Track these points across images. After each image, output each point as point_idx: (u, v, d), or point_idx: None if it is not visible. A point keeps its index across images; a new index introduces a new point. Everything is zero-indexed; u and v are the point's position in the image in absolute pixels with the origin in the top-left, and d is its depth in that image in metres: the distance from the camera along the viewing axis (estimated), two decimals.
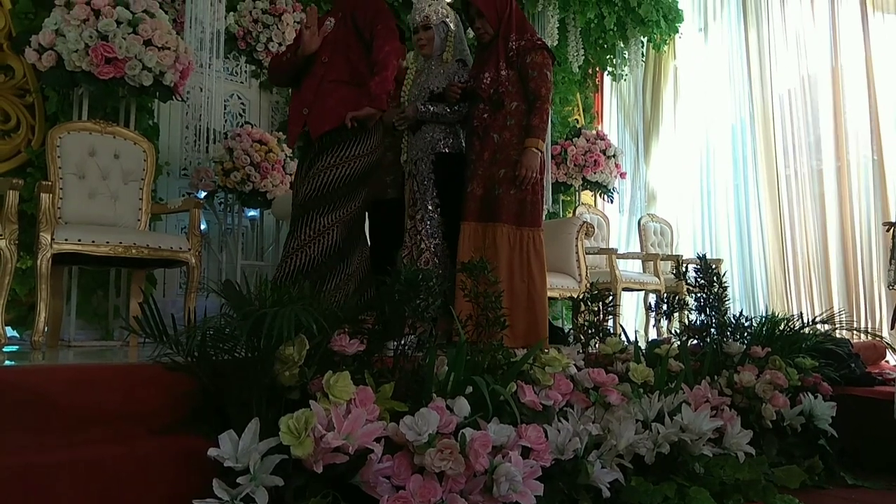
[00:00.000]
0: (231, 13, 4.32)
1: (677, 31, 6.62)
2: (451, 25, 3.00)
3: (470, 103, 2.92)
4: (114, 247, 2.74)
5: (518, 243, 2.81)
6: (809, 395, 2.49)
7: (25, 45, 3.33)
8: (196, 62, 3.63)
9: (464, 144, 3.01)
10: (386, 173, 3.14)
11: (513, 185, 2.79)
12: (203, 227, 3.10)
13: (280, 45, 4.41)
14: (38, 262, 2.63)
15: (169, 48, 3.29)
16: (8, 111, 3.56)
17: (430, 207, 2.88)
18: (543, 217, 3.02)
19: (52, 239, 2.65)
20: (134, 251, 2.77)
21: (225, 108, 4.51)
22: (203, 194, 3.97)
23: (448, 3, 3.11)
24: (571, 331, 2.39)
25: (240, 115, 4.60)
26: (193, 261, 2.93)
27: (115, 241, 2.75)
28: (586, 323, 2.34)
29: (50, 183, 2.80)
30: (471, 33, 3.17)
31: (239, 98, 4.62)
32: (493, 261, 2.63)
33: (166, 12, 3.51)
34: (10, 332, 3.17)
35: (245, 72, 4.63)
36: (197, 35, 3.75)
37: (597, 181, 5.73)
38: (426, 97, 2.93)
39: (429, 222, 2.87)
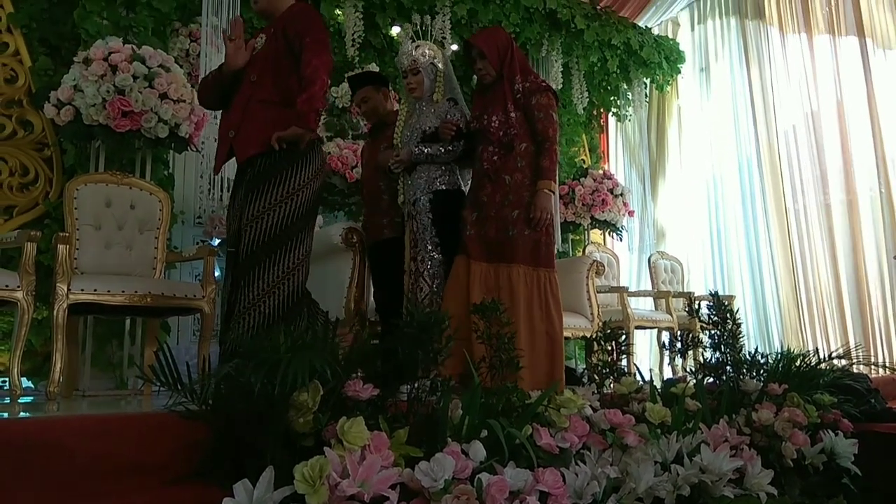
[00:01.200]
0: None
1: (679, 72, 6.73)
2: (440, 65, 2.98)
3: (475, 144, 2.91)
4: (129, 296, 2.76)
5: (536, 284, 2.79)
6: (830, 432, 2.45)
7: (45, 100, 3.44)
8: (210, 113, 3.72)
9: (460, 181, 2.99)
10: (383, 215, 3.14)
11: (527, 227, 2.78)
12: (217, 274, 3.12)
13: None
14: (55, 312, 2.66)
15: (184, 101, 3.38)
16: (27, 165, 3.64)
17: (429, 248, 2.85)
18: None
19: (69, 289, 2.69)
20: (149, 300, 2.79)
21: None
22: (217, 241, 4.01)
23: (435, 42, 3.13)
24: (585, 371, 2.38)
25: None
26: (207, 308, 2.95)
27: (131, 289, 2.78)
28: (600, 363, 2.33)
29: (67, 234, 2.85)
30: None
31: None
32: (507, 302, 2.60)
33: (181, 66, 3.62)
34: (25, 382, 3.18)
35: None
36: None
37: (605, 220, 5.76)
38: (419, 138, 2.92)
39: (429, 262, 2.84)
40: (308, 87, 2.32)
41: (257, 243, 2.28)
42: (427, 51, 2.97)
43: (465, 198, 2.94)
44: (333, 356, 1.61)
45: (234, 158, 2.48)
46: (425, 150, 2.88)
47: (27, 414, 2.11)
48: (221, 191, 4.23)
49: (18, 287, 2.59)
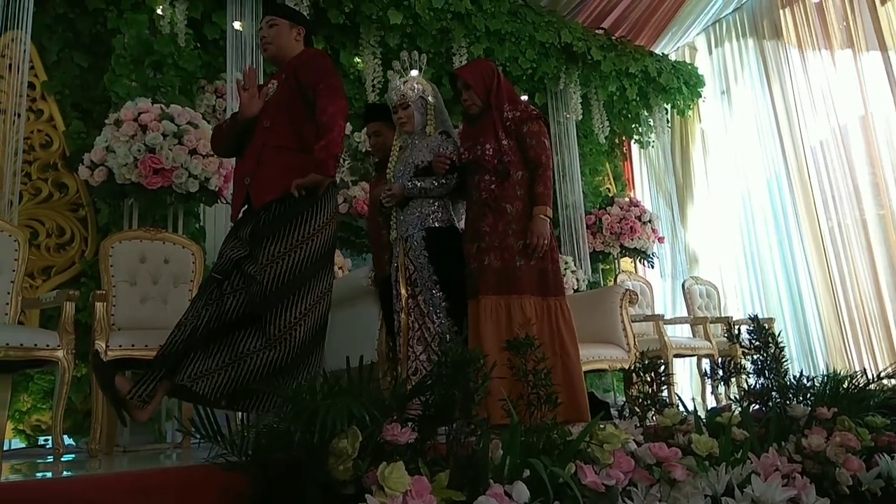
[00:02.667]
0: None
1: (700, 96, 6.72)
2: (430, 99, 2.97)
3: (468, 174, 2.88)
4: None
5: (546, 315, 2.73)
6: (885, 455, 2.35)
7: (78, 162, 3.55)
8: None
9: (453, 217, 2.95)
10: (385, 251, 3.12)
11: (532, 257, 2.75)
12: None
13: None
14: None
15: (213, 155, 3.46)
16: (63, 225, 3.75)
17: (432, 289, 2.79)
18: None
19: (107, 346, 2.73)
20: None
21: None
22: None
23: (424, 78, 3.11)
24: (626, 404, 2.32)
25: None
26: None
27: None
28: (641, 394, 2.28)
29: (104, 292, 2.90)
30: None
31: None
32: (522, 332, 2.61)
33: (208, 122, 3.71)
34: (67, 440, 3.22)
35: None
36: None
37: (635, 247, 5.71)
38: (411, 172, 2.88)
39: (431, 303, 2.78)
40: (326, 133, 2.32)
41: (273, 287, 2.26)
42: (416, 85, 2.96)
43: (459, 234, 2.90)
44: (370, 400, 1.60)
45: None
46: (418, 185, 2.84)
47: (70, 473, 2.12)
48: None
49: (59, 346, 2.64)
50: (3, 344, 2.49)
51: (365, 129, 3.61)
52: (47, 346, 2.61)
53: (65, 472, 2.14)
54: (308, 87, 2.43)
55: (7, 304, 2.94)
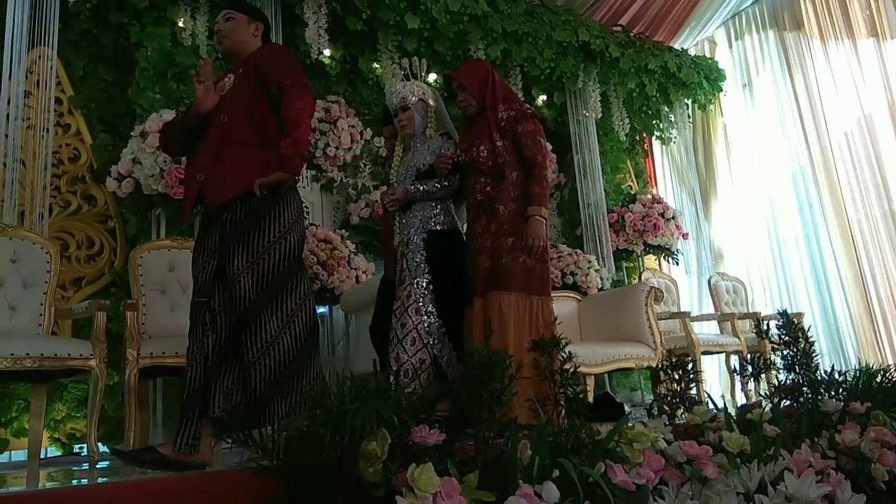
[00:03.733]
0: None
1: (721, 90, 6.65)
2: (430, 101, 2.96)
3: (465, 176, 2.85)
4: None
5: (528, 312, 2.67)
6: None
7: (106, 175, 3.62)
8: None
9: (456, 220, 2.92)
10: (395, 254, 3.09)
11: (521, 253, 2.70)
12: None
13: (337, 148, 4.63)
14: (126, 377, 2.74)
15: None
16: (92, 237, 3.82)
17: (422, 283, 2.72)
18: (551, 286, 2.87)
19: (139, 354, 2.78)
20: None
21: None
22: None
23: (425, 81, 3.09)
24: (655, 402, 2.30)
25: (304, 217, 4.79)
26: None
27: None
28: (669, 393, 2.26)
29: (134, 301, 2.95)
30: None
31: (302, 202, 4.82)
32: (500, 330, 2.53)
33: None
34: (101, 447, 3.27)
35: (306, 177, 4.85)
36: None
37: (659, 244, 5.67)
38: (413, 175, 2.86)
39: (420, 299, 2.70)
40: (292, 130, 2.22)
41: (255, 292, 2.17)
42: (416, 88, 2.95)
43: (461, 237, 2.87)
44: (398, 403, 1.61)
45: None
46: (420, 188, 2.82)
47: (106, 479, 2.17)
48: None
49: (91, 356, 2.69)
50: (38, 354, 2.55)
51: (382, 132, 3.62)
52: (80, 355, 2.66)
53: (100, 479, 2.18)
54: (272, 83, 2.32)
55: (41, 315, 3.00)
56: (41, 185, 3.54)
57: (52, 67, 3.67)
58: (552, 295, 4.50)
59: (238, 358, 2.20)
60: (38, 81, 3.64)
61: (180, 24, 4.02)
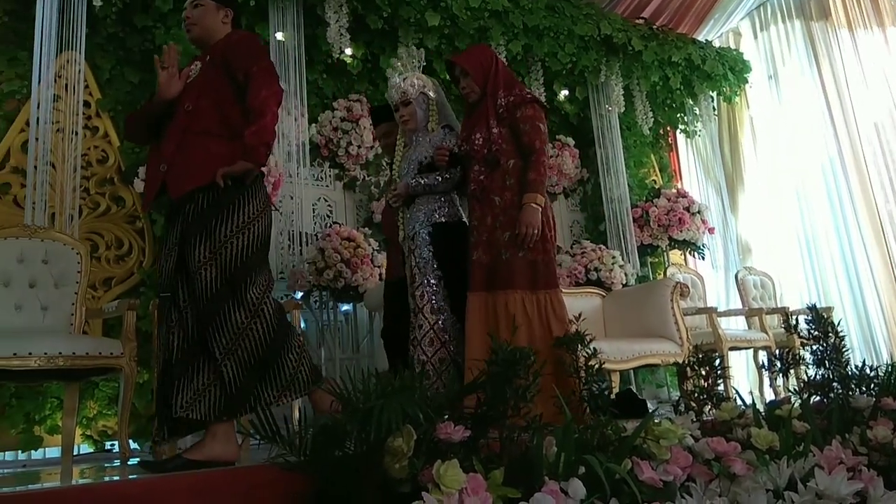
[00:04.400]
0: (313, 125, 4.63)
1: (746, 82, 6.56)
2: (431, 94, 2.90)
3: (464, 166, 2.79)
4: None
5: (536, 309, 2.58)
6: None
7: (134, 176, 3.67)
8: (285, 173, 3.88)
9: (461, 212, 2.86)
10: (399, 251, 3.08)
11: (521, 248, 2.61)
12: (302, 325, 3.21)
13: (359, 147, 4.65)
14: (156, 375, 2.78)
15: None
16: (121, 237, 3.88)
17: (432, 281, 2.69)
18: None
19: None
20: None
21: (313, 212, 4.75)
22: (300, 295, 4.14)
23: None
24: (682, 398, 2.28)
25: (327, 216, 4.83)
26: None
27: None
28: (696, 389, 2.24)
29: None
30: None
31: (325, 201, 4.87)
32: (506, 332, 2.42)
33: None
34: (132, 444, 3.33)
35: (329, 176, 4.89)
36: (284, 149, 4.04)
37: (684, 239, 5.61)
38: (415, 170, 2.82)
39: (433, 297, 2.67)
40: (258, 118, 2.15)
41: (219, 283, 2.09)
42: (416, 81, 2.89)
43: (466, 228, 2.79)
44: (423, 399, 1.62)
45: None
46: (422, 182, 2.76)
47: (137, 476, 2.20)
48: (300, 245, 4.38)
49: (122, 354, 2.74)
50: (70, 353, 2.60)
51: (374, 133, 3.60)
52: (111, 353, 2.71)
53: (132, 476, 2.22)
54: (238, 71, 2.24)
55: (72, 314, 3.06)
56: (71, 187, 3.60)
57: (79, 71, 3.73)
58: (575, 290, 4.49)
59: (212, 359, 2.10)
60: (66, 85, 3.70)
61: None
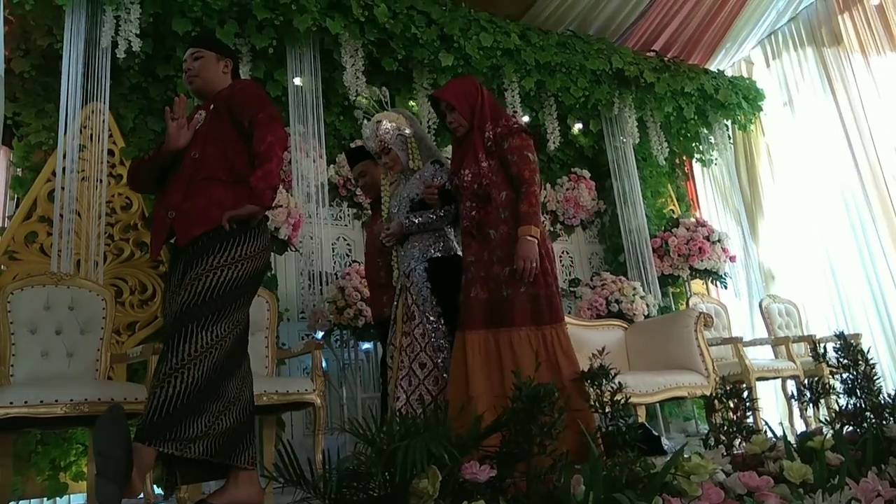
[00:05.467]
0: (331, 165, 4.70)
1: (761, 110, 6.56)
2: (407, 131, 2.85)
3: (458, 203, 2.73)
4: None
5: (542, 345, 2.50)
6: None
7: None
8: (305, 214, 3.92)
9: (456, 246, 2.80)
10: (383, 291, 3.09)
11: (521, 283, 2.53)
12: (323, 365, 3.21)
13: None
14: None
15: (281, 206, 3.59)
16: (145, 282, 3.93)
17: (432, 318, 2.62)
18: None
19: None
20: (265, 398, 2.89)
21: (333, 251, 4.80)
22: (320, 334, 4.15)
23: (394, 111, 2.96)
24: (710, 432, 2.24)
25: (346, 255, 4.87)
26: (319, 401, 3.02)
27: None
28: (725, 422, 2.19)
29: None
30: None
31: (345, 240, 4.92)
32: (512, 370, 2.32)
33: None
34: (155, 489, 3.32)
35: (348, 215, 4.94)
36: (304, 190, 4.10)
37: (705, 268, 5.56)
38: (407, 208, 2.77)
39: (433, 335, 2.61)
40: (264, 163, 2.20)
41: (188, 304, 2.09)
42: (389, 125, 2.83)
43: (461, 263, 2.72)
44: (447, 438, 1.61)
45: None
46: (416, 220, 2.71)
47: None
48: (320, 284, 4.41)
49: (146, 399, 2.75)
50: (95, 399, 2.62)
51: (351, 173, 3.57)
52: (136, 399, 2.73)
53: None
54: (244, 118, 2.31)
55: (97, 360, 3.10)
56: (95, 234, 3.67)
57: (104, 121, 3.83)
58: (597, 322, 4.45)
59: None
60: (91, 135, 3.80)
61: None
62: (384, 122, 2.83)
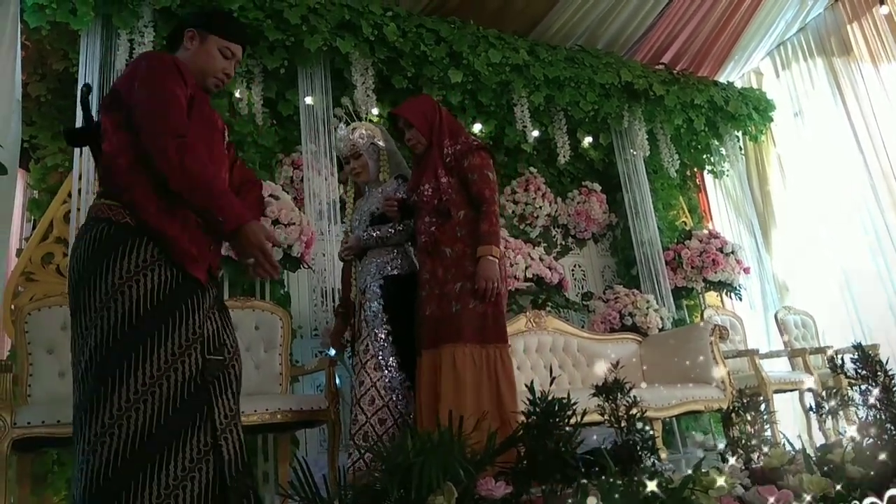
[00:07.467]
0: (342, 184, 4.72)
1: (772, 120, 6.55)
2: (380, 143, 2.86)
3: (415, 219, 2.73)
4: (261, 414, 2.87)
5: (484, 363, 2.46)
6: None
7: None
8: (317, 231, 3.95)
9: (415, 264, 2.78)
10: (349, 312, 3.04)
11: (472, 299, 2.51)
12: (337, 382, 3.21)
13: None
14: None
15: (294, 223, 3.61)
16: None
17: (380, 335, 2.59)
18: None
19: None
20: (279, 416, 2.89)
21: None
22: (334, 352, 4.15)
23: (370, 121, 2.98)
24: (728, 446, 2.22)
25: None
26: (334, 418, 3.02)
27: (262, 408, 2.88)
28: (743, 435, 2.17)
29: None
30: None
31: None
32: (451, 387, 2.37)
33: (287, 192, 3.89)
34: None
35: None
36: (315, 207, 4.12)
37: (719, 280, 5.52)
38: (367, 222, 2.76)
39: (380, 353, 2.56)
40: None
41: (86, 367, 1.68)
42: (364, 132, 2.85)
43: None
44: (461, 453, 1.60)
45: None
46: (374, 234, 2.72)
47: None
48: (333, 301, 4.42)
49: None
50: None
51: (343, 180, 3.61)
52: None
53: None
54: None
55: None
56: None
57: None
58: (611, 336, 4.43)
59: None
60: None
61: (237, 94, 4.22)
62: (360, 129, 2.87)
